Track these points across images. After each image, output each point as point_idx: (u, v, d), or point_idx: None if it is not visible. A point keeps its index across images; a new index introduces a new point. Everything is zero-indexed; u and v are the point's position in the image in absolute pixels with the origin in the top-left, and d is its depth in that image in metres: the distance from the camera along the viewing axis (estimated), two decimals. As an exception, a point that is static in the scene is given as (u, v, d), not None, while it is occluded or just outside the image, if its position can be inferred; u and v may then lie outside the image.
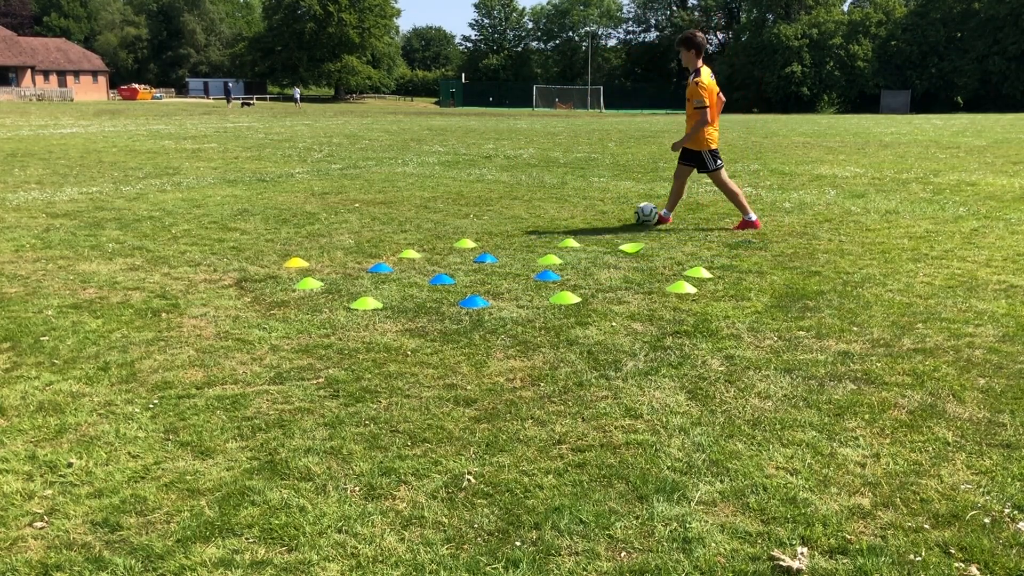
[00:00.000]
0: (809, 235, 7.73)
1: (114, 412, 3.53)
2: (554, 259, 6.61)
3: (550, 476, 2.97)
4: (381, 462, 3.07)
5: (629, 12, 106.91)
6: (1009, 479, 2.95)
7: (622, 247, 6.70)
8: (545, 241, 7.50)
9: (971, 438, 3.29)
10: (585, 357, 4.26)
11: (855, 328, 4.75)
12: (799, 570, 2.40)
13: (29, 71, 79.06)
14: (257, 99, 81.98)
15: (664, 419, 3.47)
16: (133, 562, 2.45)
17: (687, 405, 3.63)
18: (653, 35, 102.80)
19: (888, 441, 3.27)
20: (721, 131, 28.74)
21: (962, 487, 2.90)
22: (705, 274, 6.17)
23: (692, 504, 2.78)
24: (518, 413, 3.54)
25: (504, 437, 3.29)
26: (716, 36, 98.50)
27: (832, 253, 6.88)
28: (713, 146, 8.03)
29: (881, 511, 2.74)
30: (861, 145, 20.56)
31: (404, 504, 2.78)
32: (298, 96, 66.58)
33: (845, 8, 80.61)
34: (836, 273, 6.12)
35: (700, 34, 8.16)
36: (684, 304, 5.28)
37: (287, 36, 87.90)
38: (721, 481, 2.93)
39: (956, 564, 2.44)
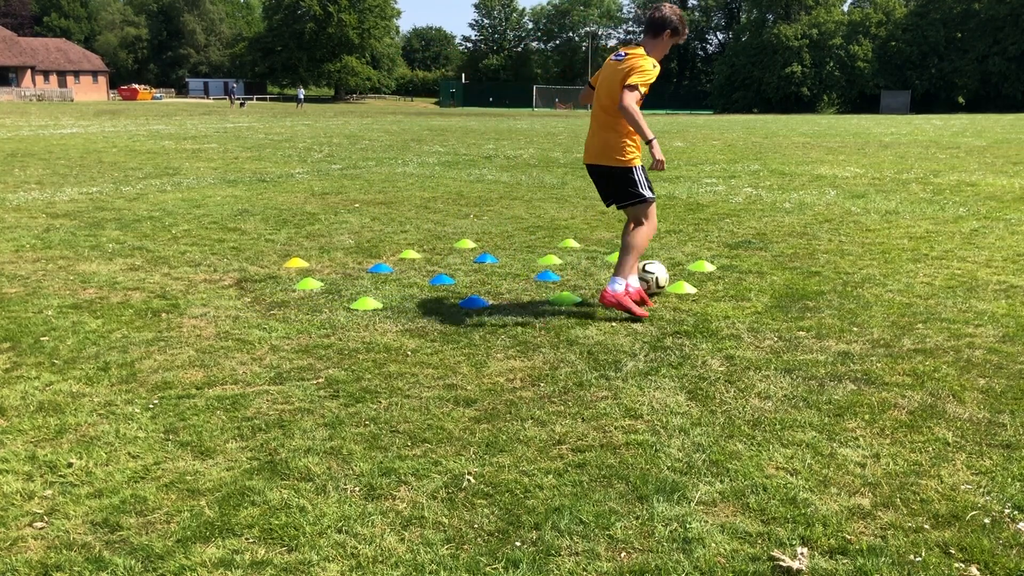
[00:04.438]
0: (809, 235, 7.73)
1: (114, 412, 3.53)
2: (554, 259, 6.61)
3: (550, 476, 2.97)
4: (381, 462, 3.07)
5: (629, 12, 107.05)
6: (1009, 479, 2.95)
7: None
8: (545, 241, 7.50)
9: (971, 438, 3.29)
10: (585, 357, 4.26)
11: (855, 328, 4.74)
12: (799, 570, 2.40)
13: (29, 71, 79.09)
14: (257, 99, 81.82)
15: (664, 419, 3.47)
16: (133, 562, 2.45)
17: (687, 405, 3.63)
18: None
19: (888, 441, 3.27)
20: (723, 131, 28.96)
21: (962, 487, 2.90)
22: (708, 267, 6.21)
23: (692, 504, 2.77)
24: (518, 413, 3.54)
25: (504, 437, 3.29)
26: (716, 36, 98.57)
27: (832, 253, 6.88)
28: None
29: (881, 511, 2.74)
30: (861, 145, 20.56)
31: (404, 504, 2.78)
32: (302, 96, 62.49)
33: (845, 8, 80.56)
34: (836, 273, 6.12)
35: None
36: (684, 304, 5.28)
37: (287, 36, 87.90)
38: (721, 481, 2.93)
39: (956, 564, 2.44)
